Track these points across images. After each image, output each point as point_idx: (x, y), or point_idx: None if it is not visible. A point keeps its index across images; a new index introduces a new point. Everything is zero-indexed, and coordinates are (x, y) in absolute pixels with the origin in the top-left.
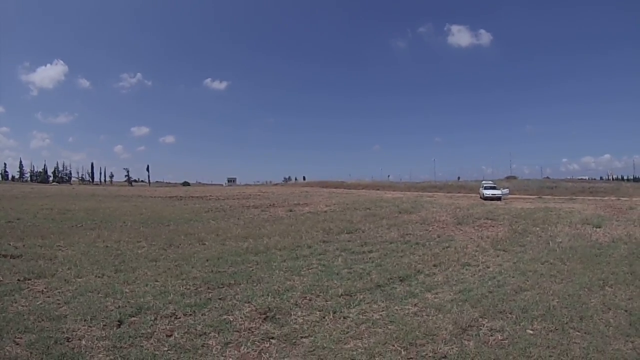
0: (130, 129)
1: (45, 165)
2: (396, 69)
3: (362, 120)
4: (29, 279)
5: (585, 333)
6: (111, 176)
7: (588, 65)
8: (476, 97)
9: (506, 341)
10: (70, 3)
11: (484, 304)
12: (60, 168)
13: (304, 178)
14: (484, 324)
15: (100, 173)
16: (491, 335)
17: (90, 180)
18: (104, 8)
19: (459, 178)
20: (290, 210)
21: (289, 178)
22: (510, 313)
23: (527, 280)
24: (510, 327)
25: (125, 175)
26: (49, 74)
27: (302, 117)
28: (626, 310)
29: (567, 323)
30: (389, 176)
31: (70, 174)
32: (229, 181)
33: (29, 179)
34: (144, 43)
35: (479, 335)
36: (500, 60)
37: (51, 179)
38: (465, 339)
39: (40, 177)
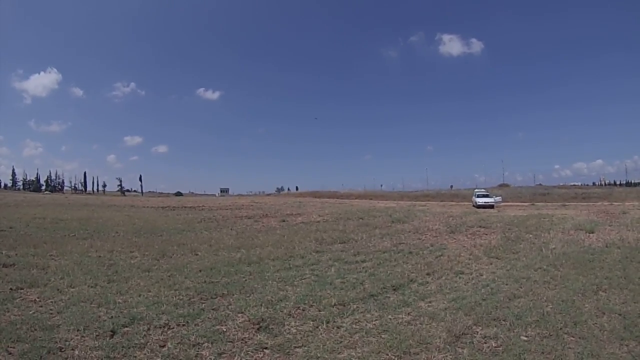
0: (123, 138)
1: (38, 173)
2: (388, 78)
3: (354, 129)
4: (21, 288)
5: (579, 338)
6: (104, 186)
7: (578, 71)
8: (468, 105)
9: (500, 348)
10: (65, 11)
11: (477, 312)
12: (53, 177)
13: (297, 188)
14: (477, 332)
15: (93, 182)
16: (485, 343)
17: (83, 189)
18: (98, 17)
19: (451, 186)
20: (283, 221)
21: (282, 188)
22: (504, 320)
23: (521, 287)
24: (504, 334)
25: (118, 185)
26: (43, 82)
27: (294, 127)
28: (620, 314)
29: (561, 328)
30: (381, 185)
31: (63, 183)
32: (221, 191)
33: (21, 187)
34: (138, 52)
35: (473, 343)
36: (492, 68)
37: (44, 187)
38: (459, 347)
39: (33, 186)
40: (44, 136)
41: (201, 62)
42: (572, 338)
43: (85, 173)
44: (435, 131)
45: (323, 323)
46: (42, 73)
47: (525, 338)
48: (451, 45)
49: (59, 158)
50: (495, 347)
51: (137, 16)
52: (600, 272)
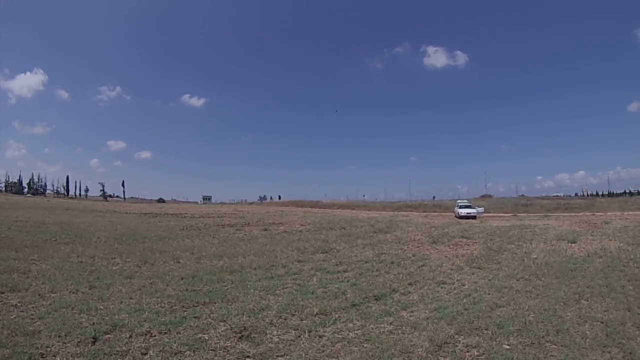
0: (107, 142)
1: (20, 176)
2: (372, 88)
3: (338, 139)
4: (2, 293)
5: (562, 346)
6: (86, 190)
7: (561, 83)
8: (452, 117)
9: (482, 357)
10: (54, 12)
11: (459, 321)
12: (36, 180)
13: (280, 197)
14: (459, 341)
15: (76, 187)
16: (467, 352)
17: (65, 193)
18: (87, 20)
19: (434, 197)
20: (266, 230)
21: (265, 197)
22: (486, 329)
23: (503, 297)
24: (486, 343)
25: (101, 190)
26: (28, 82)
27: (278, 135)
28: (602, 322)
29: (543, 337)
30: (364, 196)
31: (46, 186)
32: (204, 199)
33: (3, 189)
34: (124, 57)
35: (455, 352)
36: (476, 80)
37: (26, 190)
38: (441, 356)
39: (15, 188)
40: (27, 138)
41: (187, 68)
42: (554, 346)
43: (67, 177)
44: (418, 142)
45: (305, 332)
46: (27, 73)
47: (508, 347)
48: (436, 57)
49: (42, 160)
50: (477, 356)
51: (125, 21)
52: (582, 281)
